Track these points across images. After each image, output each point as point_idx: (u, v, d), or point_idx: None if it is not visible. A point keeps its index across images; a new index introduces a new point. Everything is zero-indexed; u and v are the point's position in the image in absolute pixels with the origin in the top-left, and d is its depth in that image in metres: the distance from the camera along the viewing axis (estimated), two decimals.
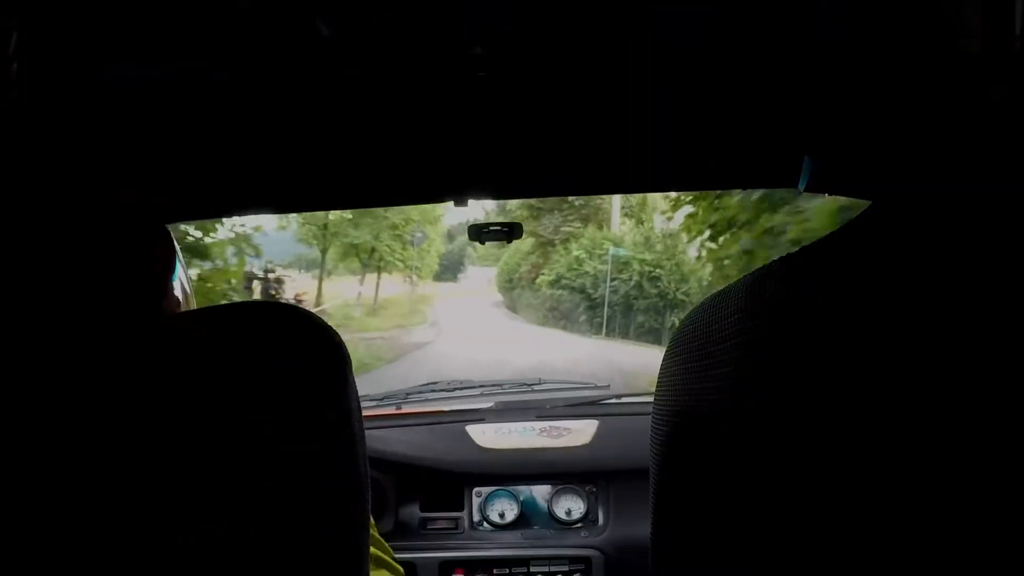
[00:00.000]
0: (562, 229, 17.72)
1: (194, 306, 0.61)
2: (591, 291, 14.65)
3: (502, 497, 1.47)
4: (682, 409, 0.37)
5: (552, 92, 0.87)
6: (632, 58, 0.79)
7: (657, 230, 14.66)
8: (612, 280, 14.05)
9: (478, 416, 1.58)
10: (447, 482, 1.49)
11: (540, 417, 1.57)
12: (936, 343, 0.22)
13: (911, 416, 0.23)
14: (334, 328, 0.42)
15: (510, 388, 1.78)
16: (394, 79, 0.81)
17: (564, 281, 15.29)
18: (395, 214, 15.79)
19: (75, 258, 0.49)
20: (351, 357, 0.43)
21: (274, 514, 0.34)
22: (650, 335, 12.69)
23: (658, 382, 0.42)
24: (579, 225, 17.35)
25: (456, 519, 1.47)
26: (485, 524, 1.46)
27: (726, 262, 3.99)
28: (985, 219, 0.22)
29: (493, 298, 25.45)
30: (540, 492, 1.48)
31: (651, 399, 0.43)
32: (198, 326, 0.36)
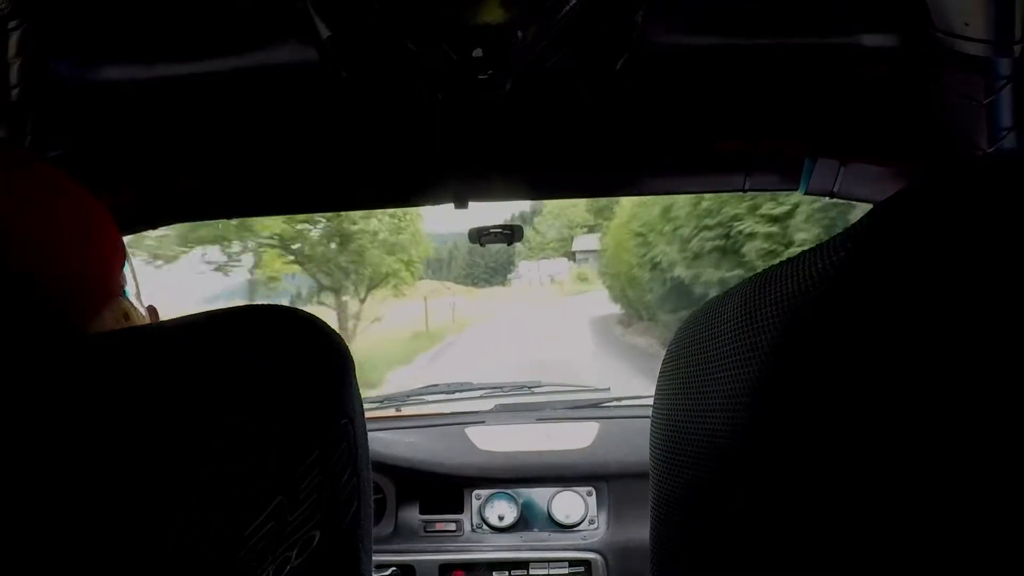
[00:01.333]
0: None
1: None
2: None
3: (502, 499, 1.47)
4: (683, 412, 0.37)
5: (552, 94, 0.87)
6: (633, 61, 0.79)
7: None
8: None
9: (478, 418, 1.58)
10: (447, 484, 1.48)
11: (540, 420, 1.56)
12: (946, 343, 0.22)
13: (919, 419, 0.23)
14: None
15: (510, 390, 1.78)
16: (394, 80, 0.81)
17: None
18: None
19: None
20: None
21: (273, 516, 0.34)
22: None
23: (658, 385, 0.42)
24: None
25: (456, 521, 1.46)
26: (485, 526, 1.46)
27: None
28: (986, 215, 0.22)
29: (589, 312, 14.44)
30: (540, 494, 1.48)
31: (651, 402, 0.43)
32: (198, 328, 0.35)
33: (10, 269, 0.36)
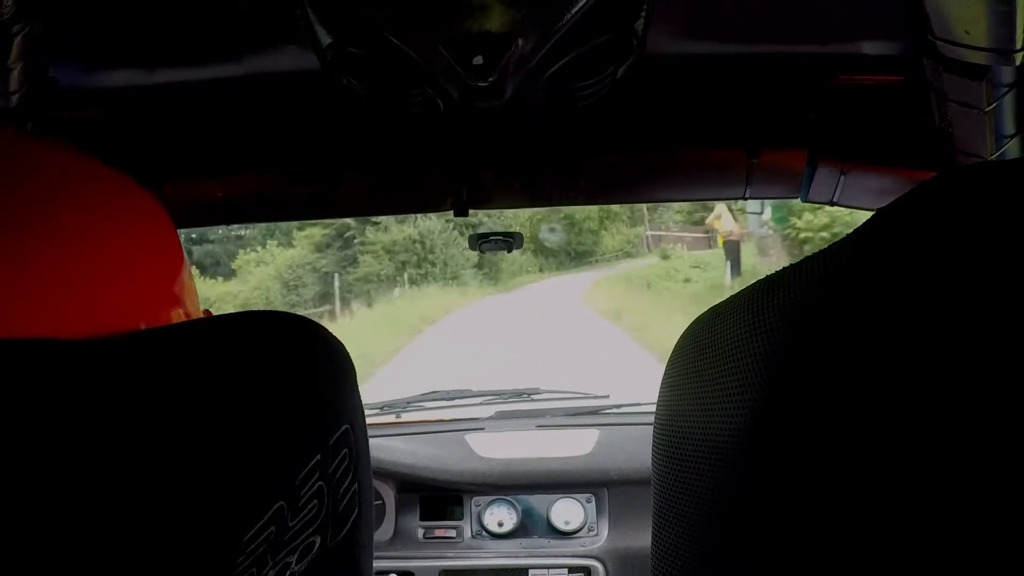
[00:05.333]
0: None
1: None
2: None
3: (501, 506, 1.47)
4: (685, 419, 0.37)
5: (552, 102, 0.87)
6: (634, 69, 0.80)
7: None
8: None
9: (478, 425, 1.58)
10: (446, 491, 1.48)
11: (540, 427, 1.56)
12: (948, 350, 0.22)
13: (923, 424, 0.23)
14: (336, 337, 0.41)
15: (509, 397, 1.78)
16: (394, 88, 0.81)
17: None
18: None
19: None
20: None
21: (273, 521, 0.33)
22: None
23: (660, 391, 0.42)
24: None
25: (455, 528, 1.46)
26: (484, 533, 1.45)
27: None
28: (989, 223, 0.22)
29: None
30: (539, 501, 1.47)
31: (651, 408, 0.43)
32: (201, 333, 0.35)
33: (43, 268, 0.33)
